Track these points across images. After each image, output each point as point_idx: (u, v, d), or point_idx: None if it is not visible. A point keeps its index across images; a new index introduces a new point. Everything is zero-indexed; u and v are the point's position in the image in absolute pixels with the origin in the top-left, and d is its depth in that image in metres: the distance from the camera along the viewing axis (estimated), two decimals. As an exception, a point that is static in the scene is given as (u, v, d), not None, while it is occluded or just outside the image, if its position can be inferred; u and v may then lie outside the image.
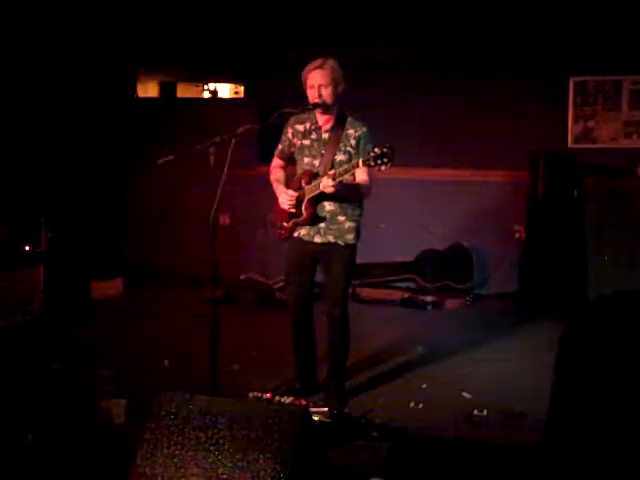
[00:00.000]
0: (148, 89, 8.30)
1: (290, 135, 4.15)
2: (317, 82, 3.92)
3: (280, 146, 4.22)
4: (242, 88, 8.18)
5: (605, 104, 6.88)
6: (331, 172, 3.83)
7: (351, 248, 4.11)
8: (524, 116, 6.83)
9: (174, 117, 7.60)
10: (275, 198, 4.22)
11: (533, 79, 6.85)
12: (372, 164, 3.67)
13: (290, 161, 4.26)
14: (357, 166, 3.75)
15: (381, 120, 6.63)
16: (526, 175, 6.69)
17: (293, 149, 4.16)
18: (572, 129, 6.95)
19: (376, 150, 3.66)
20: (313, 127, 4.08)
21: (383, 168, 3.67)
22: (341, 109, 4.06)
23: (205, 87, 8.55)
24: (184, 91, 8.56)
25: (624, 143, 6.86)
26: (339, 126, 4.03)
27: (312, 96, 3.96)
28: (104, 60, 7.44)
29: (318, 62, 3.95)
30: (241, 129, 3.80)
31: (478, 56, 6.89)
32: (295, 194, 4.04)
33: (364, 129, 4.03)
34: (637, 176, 6.69)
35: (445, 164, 7.01)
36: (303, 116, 4.09)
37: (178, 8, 7.27)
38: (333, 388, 4.26)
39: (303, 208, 4.03)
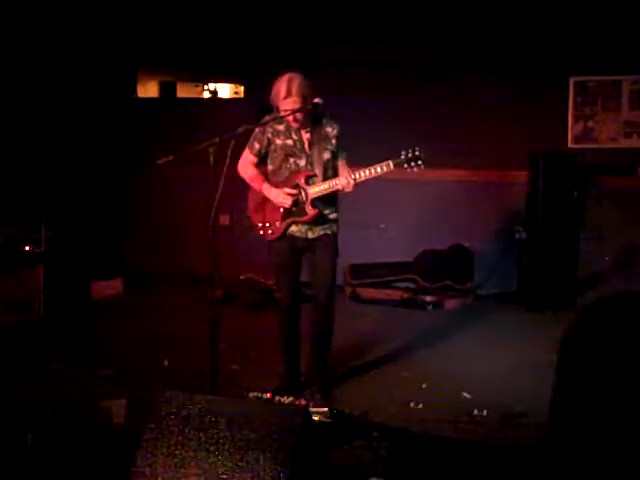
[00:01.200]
0: (148, 89, 8.29)
1: (270, 135, 4.16)
2: (289, 107, 3.97)
3: (257, 145, 4.19)
4: (242, 88, 8.18)
5: (605, 104, 6.88)
6: (349, 173, 3.99)
7: (335, 237, 4.25)
8: (524, 116, 6.83)
9: (174, 117, 7.60)
10: (249, 199, 4.28)
11: (533, 79, 6.85)
12: (405, 165, 3.92)
13: (262, 160, 4.25)
14: (389, 167, 3.91)
15: (381, 121, 6.67)
16: (526, 175, 6.69)
17: (270, 147, 4.17)
18: (572, 129, 6.95)
19: (409, 154, 3.89)
20: (292, 128, 4.13)
21: (416, 170, 3.92)
22: (313, 108, 4.05)
23: (205, 87, 8.54)
24: (184, 91, 8.56)
25: (624, 143, 6.86)
26: (317, 125, 4.13)
27: (288, 117, 4.00)
28: (104, 60, 7.44)
29: (284, 87, 3.94)
30: (241, 129, 3.80)
31: (478, 56, 6.89)
32: (295, 193, 4.07)
33: (339, 126, 4.18)
34: (637, 175, 6.70)
35: (445, 164, 7.01)
36: (279, 117, 4.08)
37: (178, 8, 7.27)
38: (325, 379, 4.35)
39: (307, 208, 4.09)
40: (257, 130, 4.18)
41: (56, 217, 6.12)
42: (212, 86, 8.50)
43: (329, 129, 4.13)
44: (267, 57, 7.35)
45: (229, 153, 3.63)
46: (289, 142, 4.13)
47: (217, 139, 3.69)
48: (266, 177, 4.21)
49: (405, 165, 3.90)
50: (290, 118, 4.01)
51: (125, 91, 7.94)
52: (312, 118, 4.10)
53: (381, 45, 6.96)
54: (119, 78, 7.85)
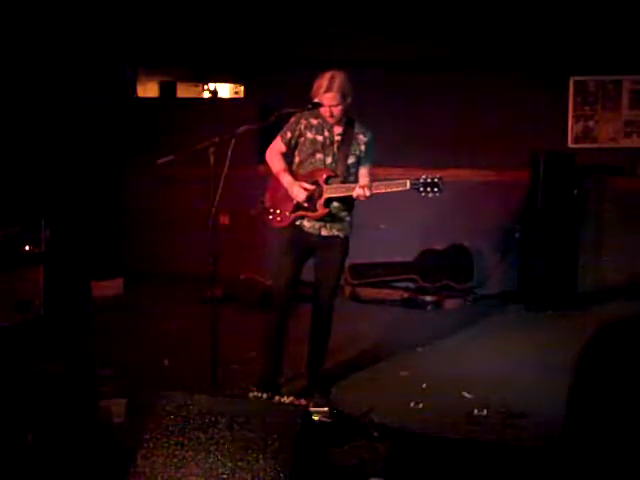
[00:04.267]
0: (148, 89, 8.29)
1: (302, 127, 4.18)
2: (328, 103, 4.03)
3: (289, 134, 4.21)
4: (242, 88, 8.18)
5: (605, 104, 6.88)
6: (367, 183, 4.05)
7: (348, 240, 4.30)
8: (524, 116, 6.83)
9: (174, 117, 7.60)
10: (269, 184, 4.30)
11: (533, 79, 6.85)
12: (421, 189, 3.93)
13: (290, 151, 4.28)
14: (405, 187, 3.94)
15: (382, 120, 6.66)
16: (526, 175, 6.69)
17: (300, 140, 4.20)
18: (572, 129, 6.95)
19: (428, 179, 3.91)
20: (326, 125, 4.16)
21: (430, 195, 3.94)
22: (312, 107, 4.10)
23: (205, 87, 8.54)
24: (184, 91, 8.55)
25: (624, 143, 6.87)
26: (349, 128, 4.18)
27: (324, 112, 4.07)
28: (104, 60, 7.44)
29: (326, 82, 4.01)
30: (241, 129, 3.81)
31: (478, 56, 6.89)
32: (311, 189, 4.11)
33: (370, 134, 4.23)
34: (637, 175, 6.70)
35: (445, 164, 7.00)
36: (314, 111, 4.14)
37: (178, 8, 7.27)
38: (319, 377, 4.37)
39: (319, 205, 4.13)
40: (292, 120, 4.22)
41: (56, 217, 6.11)
42: (212, 86, 8.49)
43: (360, 135, 4.18)
44: (267, 57, 7.36)
45: (229, 153, 3.63)
46: (319, 138, 4.16)
47: (217, 139, 3.70)
48: (291, 168, 4.25)
49: (421, 189, 3.92)
50: (327, 113, 4.05)
51: (125, 91, 7.94)
52: (346, 120, 4.15)
53: (381, 45, 6.97)
54: (119, 78, 7.85)
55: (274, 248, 4.38)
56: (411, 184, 3.93)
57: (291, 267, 4.23)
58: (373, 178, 4.16)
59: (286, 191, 4.18)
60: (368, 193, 3.97)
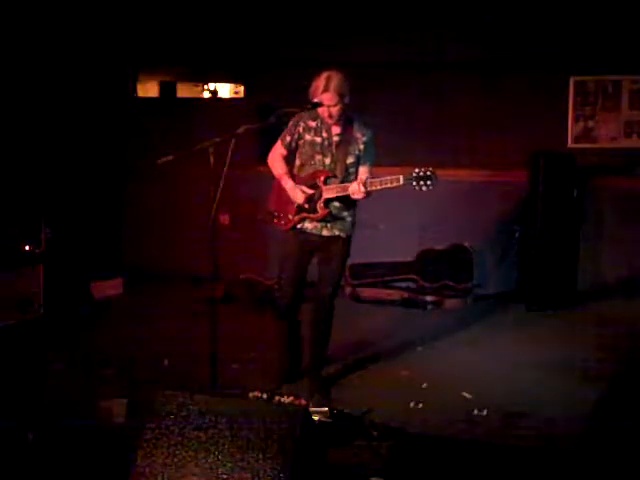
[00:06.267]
0: (148, 89, 8.29)
1: (301, 129, 4.20)
2: (325, 104, 4.03)
3: (289, 138, 4.24)
4: (242, 88, 8.18)
5: (605, 104, 6.88)
6: (362, 180, 4.01)
7: (349, 240, 4.31)
8: (524, 116, 6.83)
9: (174, 117, 7.60)
10: (273, 188, 4.33)
11: (533, 79, 6.85)
12: (414, 183, 3.90)
13: (291, 154, 4.29)
14: (398, 182, 3.92)
15: (382, 120, 6.68)
16: (526, 175, 6.69)
17: (300, 142, 4.22)
18: (572, 129, 6.95)
19: (420, 173, 3.88)
20: (324, 126, 4.17)
21: (424, 189, 3.89)
22: (346, 111, 4.12)
23: (205, 87, 8.55)
24: (184, 91, 8.56)
25: (624, 143, 6.87)
26: (348, 128, 4.17)
27: (323, 112, 4.07)
28: (104, 60, 7.44)
29: (322, 83, 4.00)
30: (241, 129, 3.81)
31: (478, 56, 6.89)
32: (311, 192, 4.13)
33: (370, 133, 4.20)
34: (637, 175, 6.70)
35: (445, 164, 7.01)
36: (312, 113, 4.14)
37: (178, 8, 7.27)
38: (320, 377, 4.40)
39: (319, 206, 4.15)
40: (291, 123, 4.23)
41: (56, 217, 6.12)
42: (212, 86, 8.49)
43: (359, 134, 4.17)
44: (267, 57, 7.36)
45: (229, 153, 3.63)
46: (318, 139, 4.17)
47: (217, 139, 3.70)
48: (293, 170, 4.28)
49: (414, 183, 3.91)
50: (325, 114, 4.06)
51: (125, 91, 7.94)
52: (345, 119, 4.15)
53: (381, 45, 6.97)
54: (119, 78, 7.85)
55: (275, 248, 4.40)
56: (404, 179, 3.92)
57: (295, 273, 4.27)
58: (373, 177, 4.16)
59: (288, 195, 4.21)
60: (363, 189, 3.95)
